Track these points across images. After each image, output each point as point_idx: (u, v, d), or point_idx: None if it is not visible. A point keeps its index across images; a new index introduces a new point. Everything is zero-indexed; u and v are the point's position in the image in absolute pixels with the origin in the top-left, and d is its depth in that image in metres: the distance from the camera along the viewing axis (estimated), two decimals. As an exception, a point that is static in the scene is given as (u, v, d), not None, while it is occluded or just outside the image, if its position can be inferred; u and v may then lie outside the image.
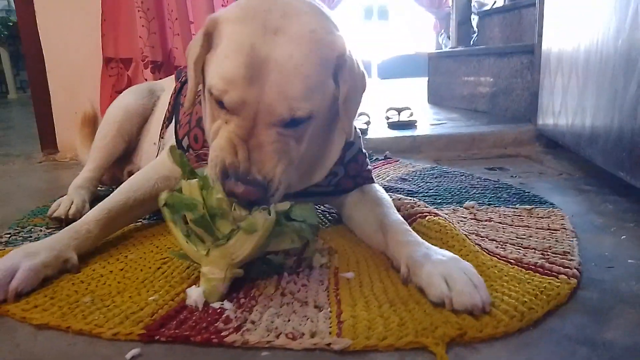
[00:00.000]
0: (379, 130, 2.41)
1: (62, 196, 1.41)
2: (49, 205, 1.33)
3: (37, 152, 2.21)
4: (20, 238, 1.12)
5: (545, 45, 2.07)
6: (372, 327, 0.68)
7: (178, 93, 1.26)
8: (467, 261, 0.79)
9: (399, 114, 2.58)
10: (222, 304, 0.75)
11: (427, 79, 3.66)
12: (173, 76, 1.43)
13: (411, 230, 0.91)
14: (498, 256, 0.92)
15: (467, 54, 3.18)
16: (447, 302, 0.71)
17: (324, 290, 0.80)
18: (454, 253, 0.82)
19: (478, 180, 1.56)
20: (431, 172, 1.70)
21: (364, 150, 1.15)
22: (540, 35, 2.13)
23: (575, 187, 1.50)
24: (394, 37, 10.34)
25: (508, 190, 1.42)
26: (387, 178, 1.62)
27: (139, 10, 1.77)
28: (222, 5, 1.88)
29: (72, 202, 1.27)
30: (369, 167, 1.15)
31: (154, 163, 1.14)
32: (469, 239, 0.96)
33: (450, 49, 3.66)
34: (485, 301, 0.70)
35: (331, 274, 0.87)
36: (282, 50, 0.77)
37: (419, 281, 0.77)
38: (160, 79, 1.84)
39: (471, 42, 3.70)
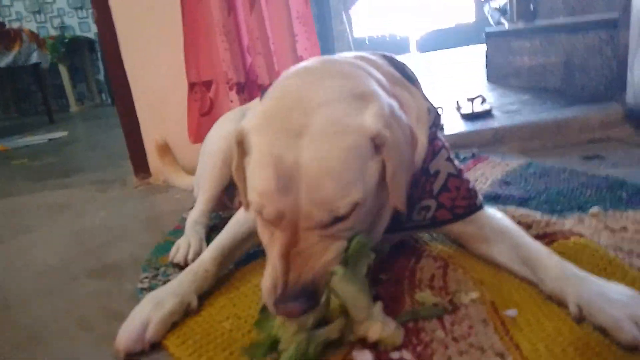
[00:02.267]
0: (451, 123, 2.34)
1: (177, 228, 1.47)
2: (168, 240, 1.39)
3: (129, 175, 2.27)
4: (160, 282, 1.16)
5: (636, 16, 1.94)
6: (570, 379, 0.67)
7: None
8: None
9: (472, 103, 2.51)
10: (402, 354, 0.76)
11: (467, 49, 3.47)
12: (259, 98, 1.43)
13: (562, 259, 0.88)
14: (656, 278, 0.89)
15: (531, 31, 3.03)
16: (642, 348, 0.69)
17: (492, 332, 0.80)
18: (616, 282, 0.80)
19: (586, 177, 1.49)
20: (529, 170, 1.64)
21: (455, 172, 1.03)
22: (628, 5, 1.99)
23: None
24: (430, 8, 10.05)
25: (625, 189, 1.35)
26: (488, 182, 1.58)
27: (220, 34, 1.77)
28: (297, 19, 1.85)
29: (190, 244, 1.30)
30: (470, 187, 1.04)
31: None
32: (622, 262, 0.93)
33: (512, 27, 3.50)
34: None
35: (490, 311, 0.86)
36: (308, 153, 0.74)
37: (598, 323, 0.75)
38: (244, 98, 1.86)
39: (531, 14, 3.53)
